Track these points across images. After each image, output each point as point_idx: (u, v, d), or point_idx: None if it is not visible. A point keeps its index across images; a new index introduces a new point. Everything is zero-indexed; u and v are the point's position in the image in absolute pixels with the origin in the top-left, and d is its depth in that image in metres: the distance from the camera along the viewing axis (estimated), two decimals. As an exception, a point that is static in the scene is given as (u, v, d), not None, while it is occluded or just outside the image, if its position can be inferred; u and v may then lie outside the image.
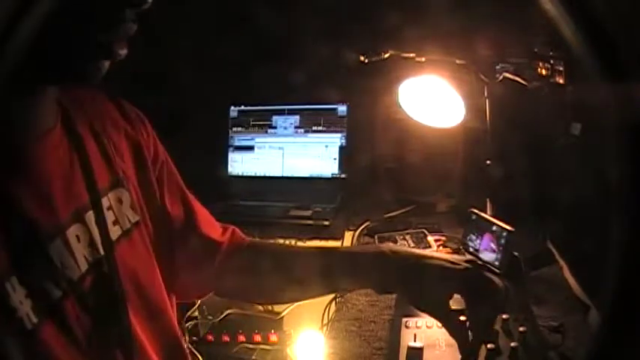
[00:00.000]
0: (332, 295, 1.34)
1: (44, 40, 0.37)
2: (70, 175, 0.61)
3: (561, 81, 1.18)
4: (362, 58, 1.42)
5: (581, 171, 1.08)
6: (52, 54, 0.50)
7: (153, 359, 0.67)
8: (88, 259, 0.60)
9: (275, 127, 1.89)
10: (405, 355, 0.90)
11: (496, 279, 0.71)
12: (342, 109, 1.83)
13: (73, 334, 0.57)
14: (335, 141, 1.83)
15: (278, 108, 1.89)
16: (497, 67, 1.32)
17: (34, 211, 0.55)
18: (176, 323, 0.75)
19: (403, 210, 1.64)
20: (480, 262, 1.22)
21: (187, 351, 0.78)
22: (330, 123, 1.84)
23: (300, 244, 1.63)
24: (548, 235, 1.32)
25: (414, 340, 0.92)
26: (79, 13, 0.50)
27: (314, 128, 1.85)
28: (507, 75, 1.30)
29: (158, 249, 0.73)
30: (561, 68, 1.17)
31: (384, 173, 1.71)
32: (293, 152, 1.86)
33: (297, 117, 1.87)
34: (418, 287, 0.72)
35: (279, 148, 1.87)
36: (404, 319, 1.00)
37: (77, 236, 0.59)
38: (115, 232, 0.65)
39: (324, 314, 1.44)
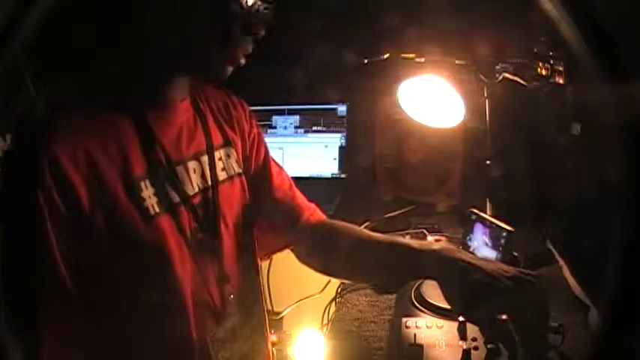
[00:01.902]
0: (332, 295, 1.35)
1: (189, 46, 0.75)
2: (194, 131, 0.84)
3: (561, 81, 1.18)
4: (362, 58, 1.43)
5: (581, 171, 1.08)
6: (195, 58, 0.77)
7: (233, 271, 0.86)
8: (199, 185, 0.82)
9: (275, 127, 1.89)
10: (405, 355, 0.90)
11: (537, 290, 0.75)
12: (342, 109, 1.83)
13: (182, 230, 0.77)
14: (335, 141, 1.83)
15: (278, 108, 1.89)
16: (497, 67, 1.32)
17: (169, 147, 0.78)
18: (256, 262, 0.97)
19: (403, 210, 1.64)
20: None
21: (261, 288, 1.00)
22: (330, 123, 1.84)
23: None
24: (548, 235, 1.33)
25: (414, 340, 0.92)
26: (221, 34, 0.75)
27: (314, 128, 1.85)
28: (507, 75, 1.30)
29: (251, 199, 0.93)
30: (561, 68, 1.17)
31: (384, 173, 1.71)
32: (293, 152, 1.86)
33: (297, 117, 1.87)
34: (464, 301, 0.81)
35: (279, 148, 1.87)
36: (404, 319, 1.00)
37: (194, 169, 0.82)
38: (222, 175, 0.87)
39: (324, 314, 1.44)
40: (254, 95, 1.87)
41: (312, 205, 1.05)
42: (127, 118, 0.75)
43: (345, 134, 1.82)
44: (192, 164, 0.82)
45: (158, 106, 0.79)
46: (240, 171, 0.92)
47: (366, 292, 1.25)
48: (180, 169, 0.80)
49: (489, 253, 1.21)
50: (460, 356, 0.86)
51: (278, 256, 1.79)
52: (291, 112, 1.87)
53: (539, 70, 1.24)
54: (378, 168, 1.71)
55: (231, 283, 0.85)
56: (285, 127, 1.88)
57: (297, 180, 1.83)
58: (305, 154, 1.85)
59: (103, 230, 0.68)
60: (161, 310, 0.75)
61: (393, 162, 1.69)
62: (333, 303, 1.33)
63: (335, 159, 1.82)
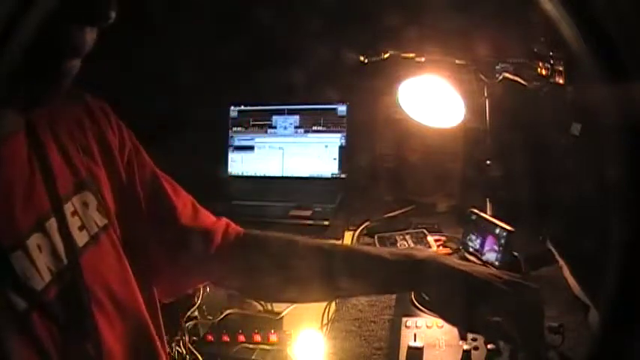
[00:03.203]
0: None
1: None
2: (31, 182, 0.58)
3: (561, 81, 1.18)
4: (362, 58, 1.42)
5: (581, 171, 1.08)
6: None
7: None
8: (52, 269, 0.58)
9: (275, 127, 1.89)
10: (405, 355, 0.90)
11: (532, 290, 0.71)
12: (342, 109, 1.83)
13: (42, 347, 0.55)
14: (335, 141, 1.83)
15: (278, 108, 1.89)
16: (497, 67, 1.32)
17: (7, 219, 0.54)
18: (152, 327, 0.72)
19: (403, 210, 1.64)
20: (480, 262, 1.22)
21: (165, 355, 0.75)
22: (330, 123, 1.84)
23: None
24: (548, 235, 1.32)
25: (414, 340, 0.92)
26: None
27: (314, 128, 1.85)
28: (507, 75, 1.30)
29: (132, 249, 0.70)
30: (561, 68, 1.17)
31: (384, 173, 1.71)
32: (293, 152, 1.86)
33: (297, 117, 1.87)
34: (452, 309, 0.72)
35: (279, 148, 1.87)
36: (404, 319, 1.00)
37: (38, 246, 0.57)
38: (82, 238, 0.63)
39: (324, 314, 1.44)
40: (254, 95, 1.89)
41: (223, 220, 0.85)
42: None
43: (345, 134, 1.82)
44: (34, 240, 0.57)
45: None
46: (106, 222, 0.68)
47: (366, 292, 1.25)
48: (18, 255, 0.55)
49: (489, 253, 1.21)
50: (460, 356, 0.86)
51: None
52: (291, 112, 1.87)
53: (539, 70, 1.24)
54: (378, 168, 1.71)
55: None
56: (285, 127, 1.88)
57: (297, 180, 1.86)
58: (305, 154, 1.85)
59: None
60: None
61: (393, 162, 1.69)
62: (333, 303, 1.33)
63: (335, 159, 1.82)
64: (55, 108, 0.65)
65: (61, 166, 0.63)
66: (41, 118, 0.62)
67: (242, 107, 1.92)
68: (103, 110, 0.73)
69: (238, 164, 1.90)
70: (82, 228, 0.63)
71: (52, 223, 0.59)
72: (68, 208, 0.62)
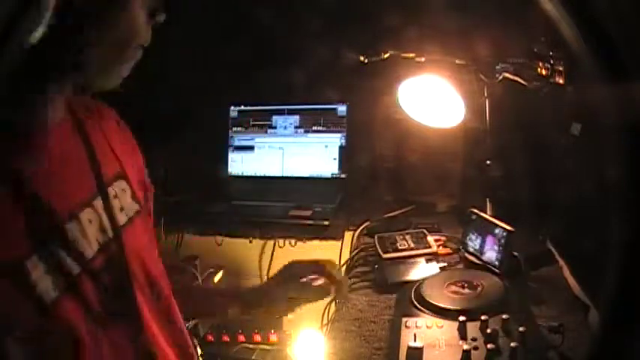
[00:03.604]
0: (332, 296, 1.35)
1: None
2: (80, 164, 0.67)
3: (561, 81, 1.18)
4: (362, 58, 1.42)
5: (581, 171, 1.08)
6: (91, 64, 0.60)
7: (156, 336, 0.72)
8: (99, 241, 0.66)
9: (275, 127, 1.89)
10: (405, 355, 0.90)
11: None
12: (342, 109, 1.83)
13: (89, 307, 0.62)
14: (335, 141, 1.83)
15: (278, 108, 1.89)
16: (497, 67, 1.32)
17: (52, 199, 0.60)
18: (176, 307, 0.80)
19: (403, 210, 1.64)
20: (480, 262, 1.22)
21: (188, 336, 0.82)
22: (330, 123, 1.84)
23: (300, 244, 1.63)
24: (548, 235, 1.32)
25: (414, 340, 0.92)
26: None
27: (314, 128, 1.85)
28: (507, 75, 1.30)
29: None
30: (561, 68, 1.17)
31: (384, 173, 1.71)
32: (293, 152, 1.86)
33: (297, 117, 1.87)
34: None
35: (279, 148, 1.87)
36: (404, 319, 1.00)
37: (89, 220, 0.65)
38: (121, 218, 0.71)
39: (324, 314, 1.44)
40: (254, 95, 1.89)
41: None
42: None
43: (345, 134, 1.82)
44: (86, 214, 0.65)
45: (28, 140, 0.60)
46: (138, 207, 0.76)
47: (366, 292, 1.25)
48: (71, 226, 0.62)
49: (489, 253, 1.21)
50: (460, 356, 0.86)
51: (278, 256, 1.81)
52: (291, 112, 1.87)
53: (539, 70, 1.24)
54: (378, 168, 1.71)
55: (163, 356, 0.72)
56: (285, 127, 1.88)
57: (297, 180, 1.86)
58: (305, 154, 1.85)
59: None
60: None
61: (393, 162, 1.69)
62: (333, 303, 1.33)
63: (335, 159, 1.82)
64: (98, 108, 0.74)
65: (103, 155, 0.71)
66: (88, 116, 0.71)
67: (242, 107, 1.92)
68: (126, 125, 0.82)
69: (238, 164, 1.90)
70: (121, 210, 0.71)
71: (99, 202, 0.67)
72: (110, 191, 0.70)
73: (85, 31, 0.58)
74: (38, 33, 0.52)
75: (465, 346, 0.87)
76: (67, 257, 0.61)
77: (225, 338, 1.60)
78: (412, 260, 1.30)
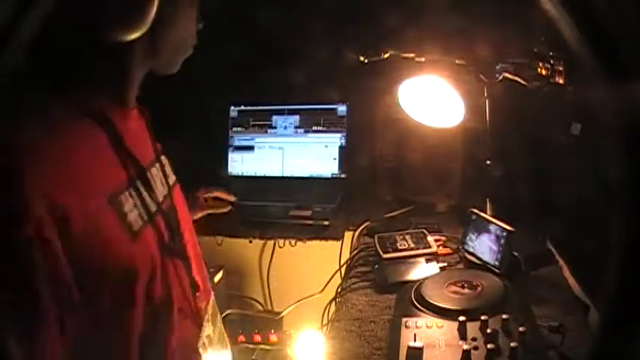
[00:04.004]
0: (332, 295, 1.35)
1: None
2: (145, 135, 0.84)
3: (561, 81, 1.18)
4: (362, 58, 1.43)
5: (581, 171, 1.08)
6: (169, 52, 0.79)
7: (200, 279, 0.86)
8: (163, 191, 0.82)
9: (275, 127, 1.89)
10: (405, 355, 0.90)
11: None
12: (342, 109, 1.83)
13: (161, 239, 0.76)
14: (335, 141, 1.83)
15: (278, 108, 1.89)
16: (497, 67, 1.32)
17: (137, 153, 0.76)
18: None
19: (403, 210, 1.64)
20: (480, 262, 1.22)
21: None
22: (330, 123, 1.84)
23: (300, 244, 1.64)
24: (548, 235, 1.33)
25: (414, 340, 0.92)
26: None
27: (314, 128, 1.85)
28: (507, 75, 1.30)
29: None
30: (561, 68, 1.17)
31: (384, 173, 1.71)
32: (293, 152, 1.86)
33: (297, 117, 1.87)
34: None
35: (279, 148, 1.87)
36: (404, 319, 1.00)
37: (156, 174, 0.82)
38: (171, 179, 0.88)
39: (323, 314, 1.45)
40: (254, 95, 1.89)
41: None
42: (94, 124, 0.70)
43: (345, 134, 1.82)
44: (154, 170, 0.82)
45: (122, 109, 0.76)
46: (175, 178, 0.92)
47: (366, 292, 1.25)
48: (149, 175, 0.79)
49: (489, 253, 1.21)
50: (460, 356, 0.86)
51: (278, 256, 1.81)
52: (291, 112, 1.87)
53: (539, 70, 1.24)
54: (378, 168, 1.71)
55: (200, 290, 0.85)
56: (285, 127, 1.88)
57: (297, 180, 1.86)
58: (305, 154, 1.85)
59: (95, 255, 0.64)
60: (151, 322, 0.72)
61: (393, 162, 1.69)
62: (333, 303, 1.33)
63: (335, 159, 1.82)
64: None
65: (152, 137, 0.86)
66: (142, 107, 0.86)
67: (242, 107, 1.92)
68: None
69: (238, 164, 1.90)
70: (169, 176, 0.88)
71: (158, 165, 0.84)
72: (163, 159, 0.87)
73: (161, 29, 0.72)
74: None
75: (465, 346, 0.87)
76: (148, 196, 0.75)
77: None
78: (412, 260, 1.30)
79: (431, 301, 1.04)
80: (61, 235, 0.60)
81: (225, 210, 1.52)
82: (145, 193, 0.75)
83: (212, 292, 0.94)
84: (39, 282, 0.59)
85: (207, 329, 0.85)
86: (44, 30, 0.44)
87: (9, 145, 0.60)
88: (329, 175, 1.82)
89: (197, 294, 0.84)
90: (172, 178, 0.90)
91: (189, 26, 0.81)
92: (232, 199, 1.56)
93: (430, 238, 1.40)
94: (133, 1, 0.66)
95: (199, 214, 1.42)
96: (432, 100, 1.32)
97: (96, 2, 0.66)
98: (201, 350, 0.82)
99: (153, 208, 0.76)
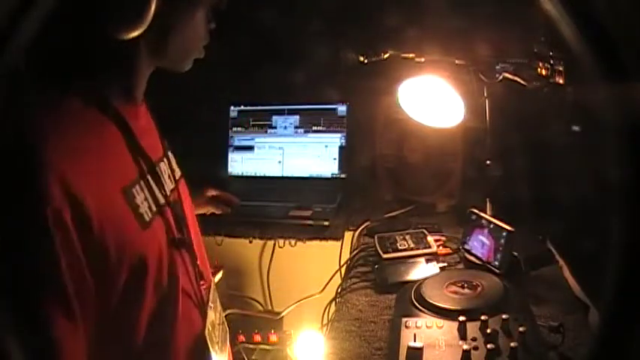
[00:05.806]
0: (332, 295, 1.35)
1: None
2: (153, 131, 0.87)
3: (561, 81, 1.18)
4: (362, 58, 1.43)
5: (581, 171, 1.08)
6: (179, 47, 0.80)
7: (204, 268, 0.89)
8: (170, 185, 0.85)
9: (275, 127, 1.89)
10: (405, 355, 0.90)
11: None
12: (342, 109, 1.83)
13: (169, 230, 0.79)
14: (335, 141, 1.83)
15: (278, 108, 1.89)
16: (497, 67, 1.32)
17: (147, 147, 0.78)
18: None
19: (403, 210, 1.64)
20: (480, 262, 1.22)
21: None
22: (330, 123, 1.84)
23: (300, 244, 1.64)
24: (548, 235, 1.32)
25: (414, 340, 0.92)
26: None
27: (314, 128, 1.85)
28: (507, 75, 1.30)
29: None
30: (561, 68, 1.17)
31: (384, 173, 1.71)
32: (293, 152, 1.86)
33: (297, 117, 1.87)
34: None
35: (279, 148, 1.87)
36: (404, 319, 1.00)
37: (164, 169, 0.85)
38: (177, 174, 0.91)
39: (323, 314, 1.44)
40: (254, 95, 1.89)
41: None
42: (106, 118, 0.72)
43: (345, 134, 1.82)
44: (162, 165, 0.85)
45: (132, 106, 0.78)
46: (180, 173, 0.95)
47: (366, 292, 1.25)
48: (158, 170, 0.82)
49: (489, 253, 1.21)
50: (460, 356, 0.86)
51: (278, 256, 1.81)
52: (291, 112, 1.87)
53: (539, 70, 1.24)
54: (378, 168, 1.71)
55: (204, 279, 0.88)
56: (285, 127, 1.88)
57: (297, 180, 1.86)
58: (305, 154, 1.85)
59: (110, 244, 0.66)
60: (160, 309, 0.75)
61: (393, 162, 1.69)
62: (333, 303, 1.33)
63: (335, 159, 1.82)
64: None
65: (160, 133, 0.90)
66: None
67: (242, 107, 1.92)
68: None
69: (238, 164, 1.90)
70: (175, 169, 0.91)
71: (166, 160, 0.87)
72: (169, 154, 0.90)
73: (167, 29, 0.75)
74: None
75: (465, 346, 0.87)
76: (157, 190, 0.78)
77: (225, 338, 1.59)
78: (412, 260, 1.30)
79: (431, 301, 1.04)
80: (77, 224, 0.62)
81: (224, 211, 1.53)
82: (154, 187, 0.78)
83: (212, 279, 0.97)
84: (56, 270, 0.61)
85: (211, 315, 0.87)
86: (47, 27, 0.45)
87: (29, 138, 0.64)
88: (329, 175, 1.82)
89: (202, 282, 0.87)
90: (178, 173, 0.93)
91: (198, 27, 0.81)
92: (237, 201, 1.55)
93: (430, 238, 1.40)
94: (133, 1, 0.68)
95: (201, 210, 1.45)
96: (432, 100, 1.32)
97: (94, 2, 0.68)
98: (207, 336, 0.84)
99: (162, 200, 0.79)
